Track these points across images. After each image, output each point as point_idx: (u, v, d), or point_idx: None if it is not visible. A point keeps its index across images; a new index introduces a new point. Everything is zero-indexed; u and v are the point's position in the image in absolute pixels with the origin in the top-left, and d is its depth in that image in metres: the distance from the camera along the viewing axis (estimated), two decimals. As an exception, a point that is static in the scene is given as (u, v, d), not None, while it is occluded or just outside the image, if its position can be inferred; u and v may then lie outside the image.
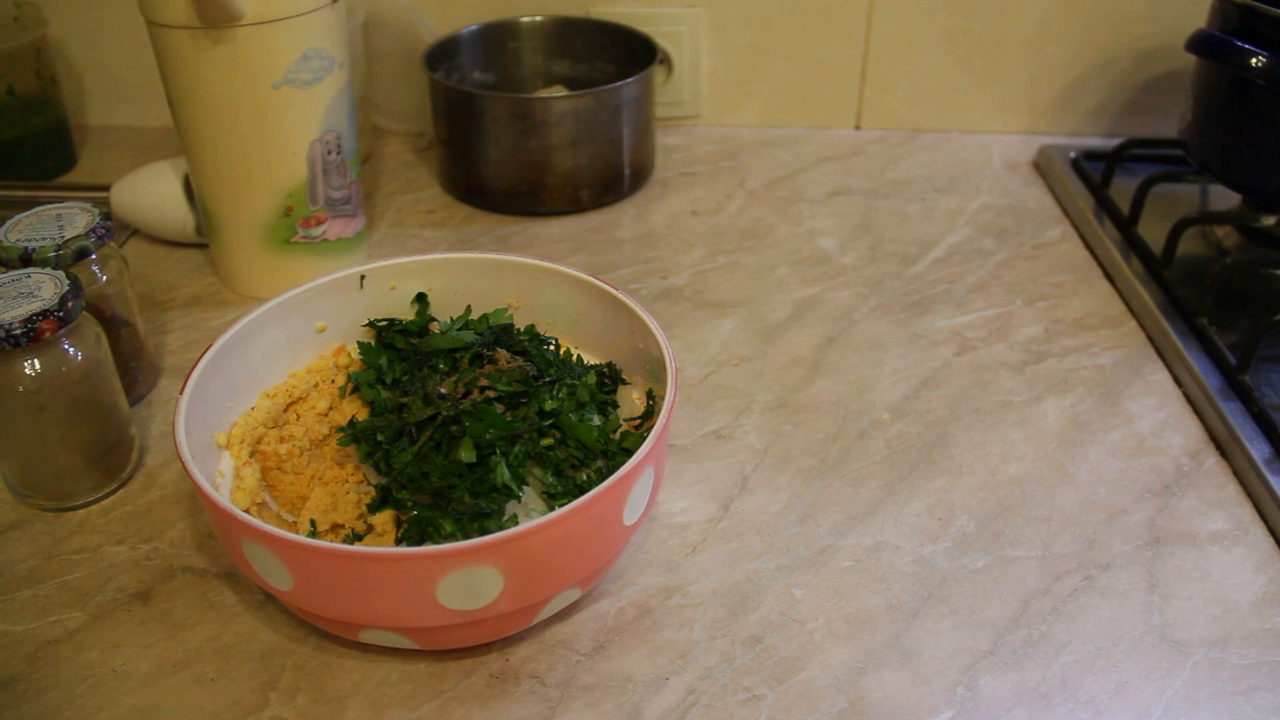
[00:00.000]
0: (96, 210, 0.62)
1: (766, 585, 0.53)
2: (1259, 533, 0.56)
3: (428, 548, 0.41)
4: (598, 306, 0.59)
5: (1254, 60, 0.71)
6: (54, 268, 0.57)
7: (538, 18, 0.93)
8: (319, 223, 0.73)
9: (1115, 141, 0.90)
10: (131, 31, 0.91)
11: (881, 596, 0.53)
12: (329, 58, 0.68)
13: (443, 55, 0.89)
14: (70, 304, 0.53)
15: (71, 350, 0.54)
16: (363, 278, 0.59)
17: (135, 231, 0.81)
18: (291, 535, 0.42)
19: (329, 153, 0.71)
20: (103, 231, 0.60)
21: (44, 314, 0.52)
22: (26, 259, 0.58)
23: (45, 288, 0.54)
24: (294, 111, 0.68)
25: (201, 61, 0.65)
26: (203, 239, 0.78)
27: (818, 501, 0.58)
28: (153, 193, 0.79)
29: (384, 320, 0.60)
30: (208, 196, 0.72)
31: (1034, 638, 0.50)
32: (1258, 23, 0.71)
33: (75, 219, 0.61)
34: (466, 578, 0.42)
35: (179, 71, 0.66)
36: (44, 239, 0.59)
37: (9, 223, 0.60)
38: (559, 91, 0.91)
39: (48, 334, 0.52)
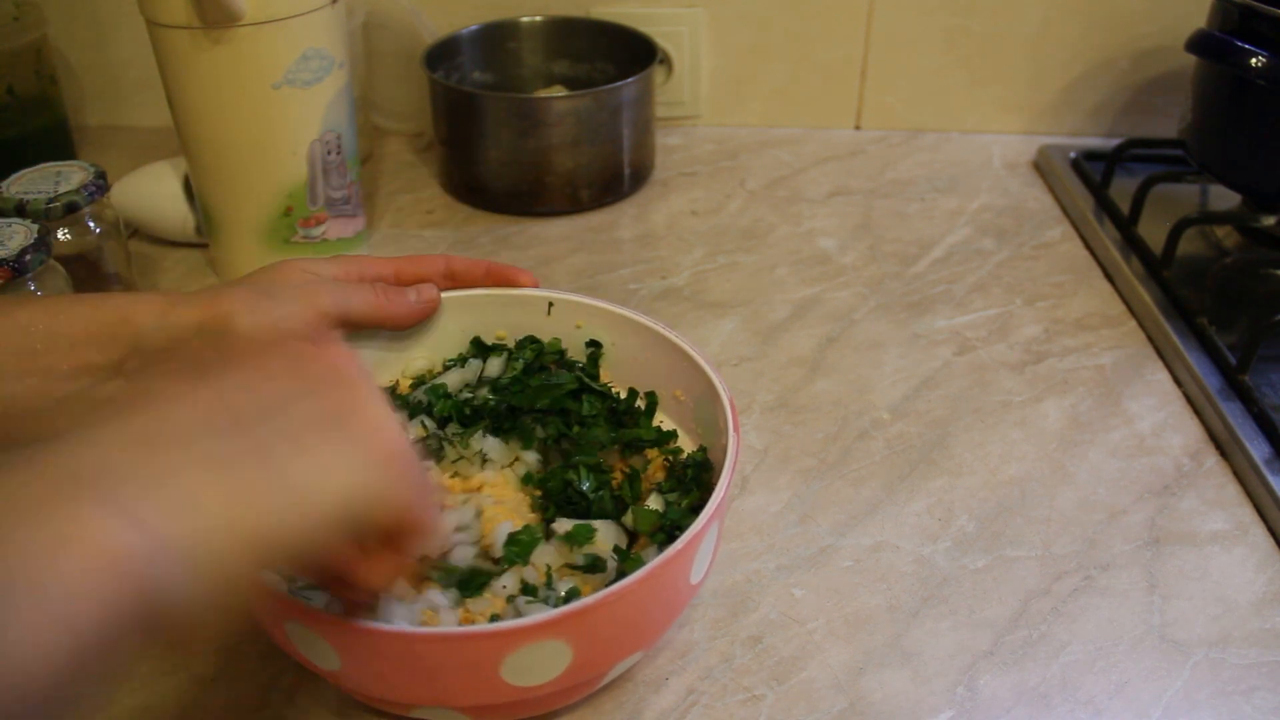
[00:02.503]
0: (92, 169, 0.67)
1: (766, 585, 0.53)
2: (1259, 533, 0.56)
3: (492, 625, 0.39)
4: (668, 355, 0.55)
5: (1254, 60, 0.71)
6: (45, 219, 0.62)
7: (538, 18, 0.93)
8: (319, 223, 0.73)
9: (1115, 141, 0.90)
10: (131, 31, 0.91)
11: (881, 596, 0.53)
12: (329, 58, 0.68)
13: (443, 55, 0.89)
14: (28, 256, 0.57)
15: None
16: (551, 305, 0.57)
17: (135, 231, 0.81)
18: (340, 617, 0.39)
19: (329, 153, 0.71)
20: (94, 188, 0.65)
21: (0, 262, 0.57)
22: (21, 210, 0.63)
23: (16, 239, 0.59)
24: (294, 111, 0.68)
25: (201, 61, 0.65)
26: (203, 239, 0.78)
27: (818, 501, 0.58)
28: (153, 193, 0.79)
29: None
30: (208, 196, 0.72)
31: (1034, 638, 0.50)
32: (1258, 23, 0.71)
33: (72, 176, 0.66)
34: (533, 653, 0.39)
35: (179, 71, 0.66)
36: (39, 192, 0.64)
37: (13, 176, 0.66)
38: (559, 91, 0.91)
39: (1, 282, 0.57)
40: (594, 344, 0.57)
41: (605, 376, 0.57)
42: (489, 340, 0.58)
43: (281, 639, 0.43)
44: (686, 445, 0.54)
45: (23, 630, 0.25)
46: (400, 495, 0.34)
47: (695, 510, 0.48)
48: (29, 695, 0.25)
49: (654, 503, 0.49)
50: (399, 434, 0.34)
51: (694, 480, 0.50)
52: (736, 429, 0.47)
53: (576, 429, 0.53)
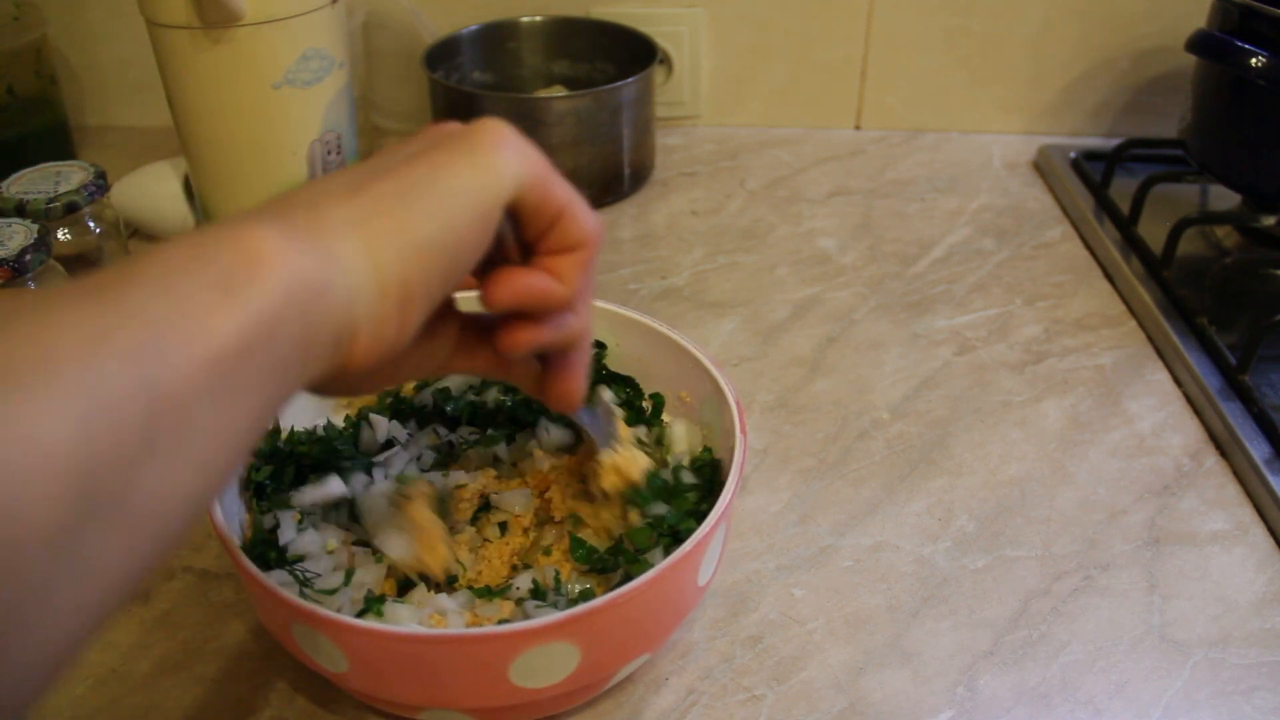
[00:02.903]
0: (92, 169, 0.67)
1: (766, 585, 0.53)
2: (1259, 533, 0.56)
3: (501, 627, 0.38)
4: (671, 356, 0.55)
5: (1254, 60, 0.71)
6: (45, 219, 0.63)
7: (538, 18, 0.93)
8: (319, 223, 0.73)
9: (1115, 141, 0.90)
10: (131, 31, 0.91)
11: (881, 596, 0.53)
12: (329, 58, 0.68)
13: (443, 55, 0.89)
14: (28, 256, 0.58)
15: None
16: None
17: (135, 231, 0.81)
18: (349, 620, 0.39)
19: (329, 153, 0.71)
20: (94, 188, 0.66)
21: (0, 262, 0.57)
22: (21, 210, 0.63)
23: (16, 239, 0.59)
24: (294, 111, 0.68)
25: (201, 61, 0.65)
26: (203, 239, 0.78)
27: (818, 501, 0.58)
28: (153, 193, 0.79)
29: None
30: (208, 196, 0.72)
31: (1034, 638, 0.50)
32: (1258, 23, 0.71)
33: (72, 176, 0.67)
34: (541, 655, 0.39)
35: (179, 71, 0.66)
36: (39, 192, 0.64)
37: (13, 176, 0.66)
38: (559, 91, 0.90)
39: (1, 281, 0.57)
40: (599, 344, 0.56)
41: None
42: None
43: (288, 642, 0.42)
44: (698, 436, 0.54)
45: (203, 310, 0.25)
46: (534, 172, 0.34)
47: (694, 514, 0.48)
48: (204, 371, 0.25)
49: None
50: (514, 131, 0.35)
51: (701, 481, 0.50)
52: (744, 431, 0.47)
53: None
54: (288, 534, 0.46)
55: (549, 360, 0.41)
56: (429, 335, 0.36)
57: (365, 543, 0.48)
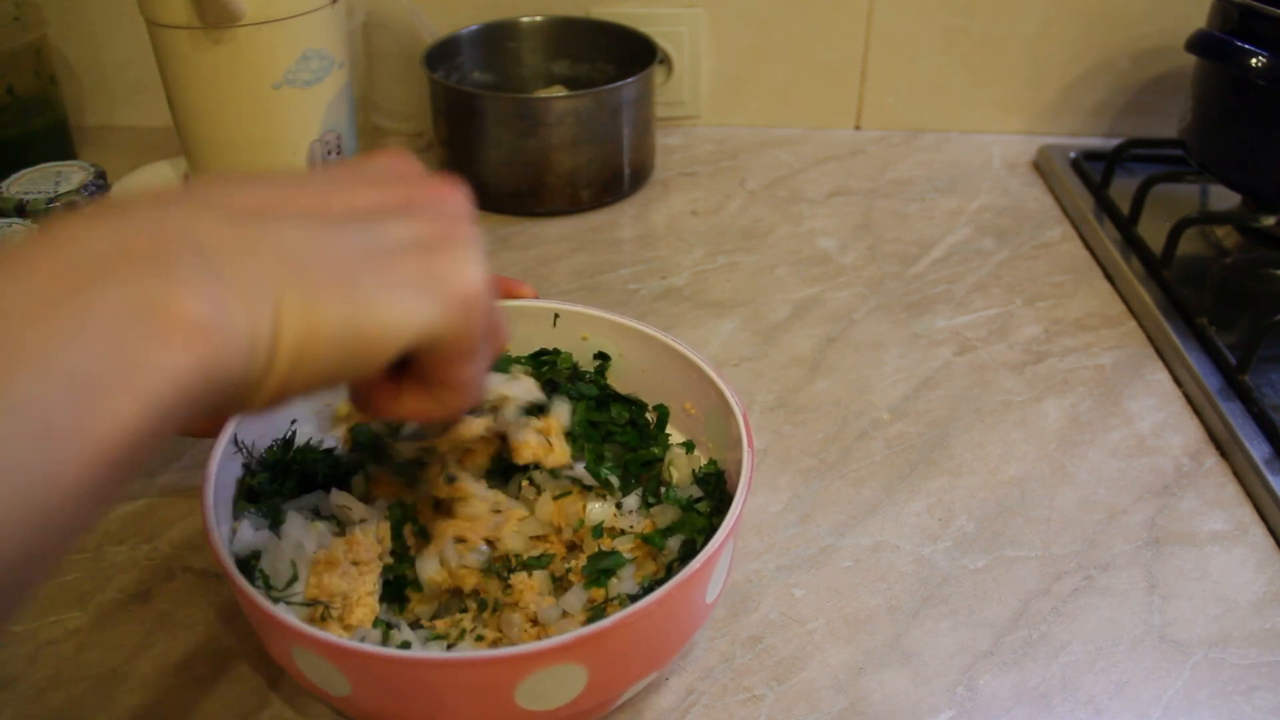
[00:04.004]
0: (92, 169, 0.68)
1: (766, 585, 0.53)
2: (1259, 533, 0.56)
3: (507, 650, 0.38)
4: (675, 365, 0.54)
5: (1254, 60, 0.71)
6: (45, 219, 0.63)
7: (538, 18, 0.93)
8: (319, 223, 0.73)
9: (1115, 141, 0.90)
10: (131, 31, 0.91)
11: (881, 596, 0.53)
12: (329, 58, 0.68)
13: (443, 55, 0.89)
14: None
15: None
16: (556, 316, 0.55)
17: (135, 231, 0.81)
18: (353, 644, 0.38)
19: (329, 153, 0.71)
20: (94, 188, 0.66)
21: None
22: (21, 210, 0.64)
23: (15, 240, 0.58)
24: (294, 111, 0.68)
25: (201, 61, 0.65)
26: (203, 239, 0.78)
27: (818, 501, 0.58)
28: (153, 193, 0.79)
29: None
30: (208, 196, 0.72)
31: (1034, 638, 0.50)
32: (1258, 23, 0.71)
33: (72, 176, 0.68)
34: (548, 678, 0.39)
35: (179, 71, 0.66)
36: (39, 192, 0.65)
37: (13, 176, 0.67)
38: (559, 91, 0.91)
39: None
40: (602, 356, 0.56)
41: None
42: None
43: (289, 665, 0.42)
44: (699, 458, 0.53)
45: (97, 410, 0.24)
46: (462, 352, 0.33)
47: (705, 530, 0.47)
48: (90, 475, 0.24)
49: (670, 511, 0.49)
50: (482, 277, 0.34)
51: (707, 495, 0.50)
52: (751, 444, 0.46)
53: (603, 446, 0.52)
54: (245, 534, 0.45)
55: None
56: None
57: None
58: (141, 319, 0.25)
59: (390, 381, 0.36)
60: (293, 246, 0.29)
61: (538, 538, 0.49)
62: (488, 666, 0.38)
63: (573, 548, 0.49)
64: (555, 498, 0.49)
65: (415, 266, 0.32)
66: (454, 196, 0.35)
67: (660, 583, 0.41)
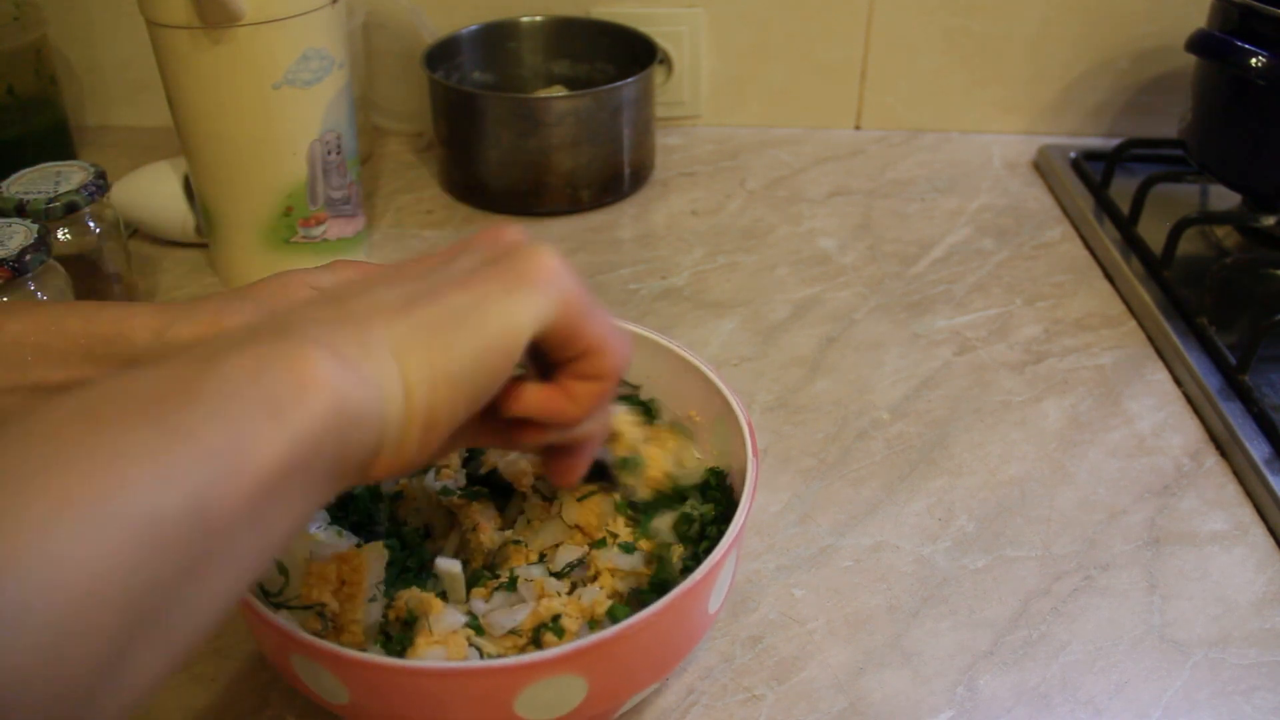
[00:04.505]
0: (92, 169, 0.67)
1: (766, 585, 0.53)
2: (1259, 533, 0.56)
3: (507, 660, 0.38)
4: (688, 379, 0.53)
5: (1254, 60, 0.71)
6: (45, 219, 0.63)
7: (538, 18, 0.93)
8: (319, 223, 0.73)
9: (1115, 141, 0.90)
10: (131, 31, 0.91)
11: (881, 596, 0.53)
12: (329, 58, 0.68)
13: (443, 55, 0.89)
14: (28, 256, 0.58)
15: (39, 296, 0.59)
16: None
17: (135, 231, 0.81)
18: (352, 653, 0.38)
19: (329, 153, 0.71)
20: (94, 188, 0.66)
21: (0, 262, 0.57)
22: (21, 210, 0.63)
23: (16, 239, 0.59)
24: (294, 111, 0.68)
25: (201, 61, 0.65)
26: (203, 239, 0.78)
27: (818, 501, 0.58)
28: (153, 193, 0.79)
29: None
30: (208, 196, 0.72)
31: (1034, 638, 0.50)
32: (1258, 23, 0.71)
33: (72, 176, 0.67)
34: (548, 688, 0.39)
35: (179, 71, 0.66)
36: (39, 192, 0.64)
37: (13, 176, 0.66)
38: (559, 91, 0.91)
39: (1, 281, 0.57)
40: None
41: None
42: None
43: (288, 673, 0.42)
44: (702, 465, 0.52)
45: (252, 437, 0.26)
46: (567, 311, 0.35)
47: (709, 537, 0.47)
48: (251, 499, 0.26)
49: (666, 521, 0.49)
50: (566, 266, 0.35)
51: (711, 501, 0.49)
52: (755, 453, 0.46)
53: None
54: None
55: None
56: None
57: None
58: (275, 369, 0.28)
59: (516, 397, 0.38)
60: (387, 301, 0.33)
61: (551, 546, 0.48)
62: (487, 676, 0.38)
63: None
64: (579, 499, 0.49)
65: (495, 275, 0.34)
66: (509, 233, 0.37)
67: (662, 592, 0.40)
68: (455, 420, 0.33)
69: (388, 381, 0.31)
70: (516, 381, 0.37)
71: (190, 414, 0.26)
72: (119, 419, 0.25)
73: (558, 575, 0.46)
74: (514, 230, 0.37)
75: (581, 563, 0.47)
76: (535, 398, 0.37)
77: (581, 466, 0.42)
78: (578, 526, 0.48)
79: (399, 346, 0.31)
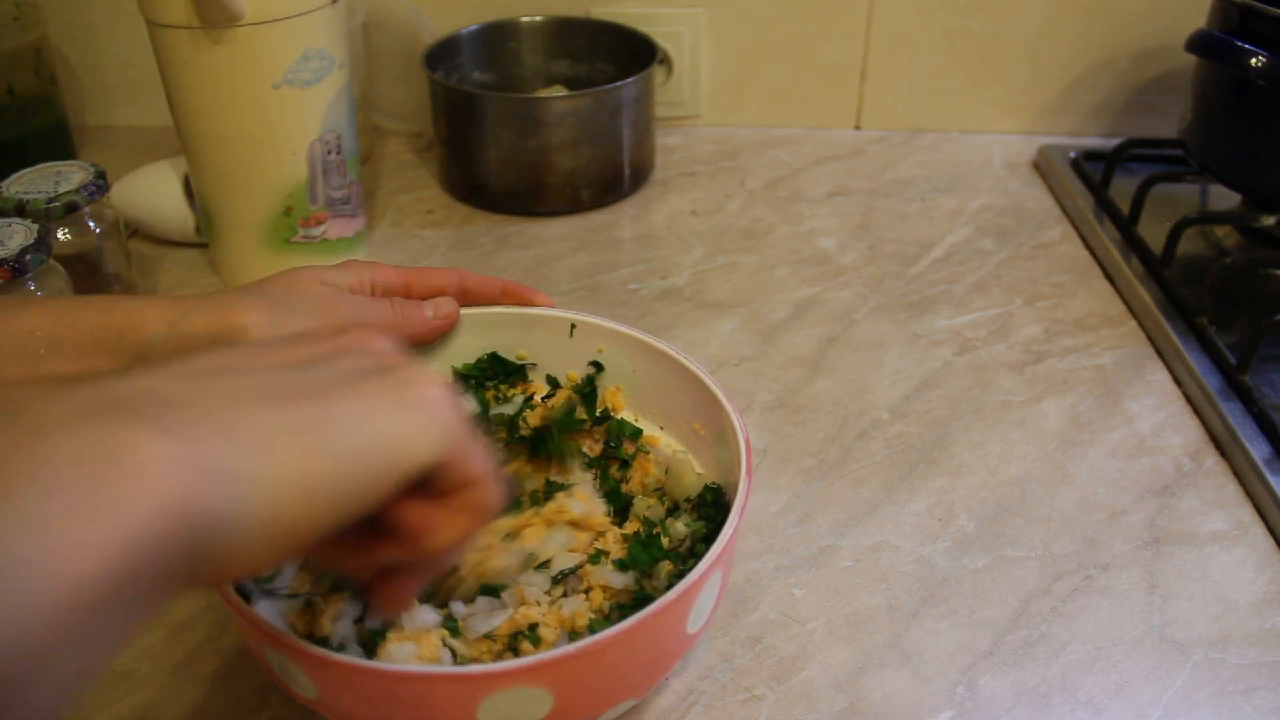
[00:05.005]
0: (92, 169, 0.67)
1: (766, 585, 0.53)
2: (1259, 533, 0.56)
3: (469, 668, 0.37)
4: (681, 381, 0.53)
5: (1254, 60, 0.71)
6: (45, 219, 0.63)
7: (538, 18, 0.93)
8: (319, 222, 0.73)
9: (1115, 141, 0.90)
10: (131, 31, 0.91)
11: (881, 596, 0.53)
12: (329, 58, 0.68)
13: (443, 55, 0.89)
14: (28, 256, 0.58)
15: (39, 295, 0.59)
16: (574, 327, 0.55)
17: (135, 231, 0.81)
18: (316, 649, 0.38)
19: (329, 153, 0.71)
20: (94, 188, 0.66)
21: (0, 262, 0.57)
22: (21, 210, 0.63)
23: (16, 239, 0.59)
24: (294, 111, 0.68)
25: (201, 61, 0.65)
26: (203, 239, 0.78)
27: (818, 501, 0.58)
28: (153, 193, 0.79)
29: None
30: (208, 196, 0.72)
31: (1034, 638, 0.50)
32: (1258, 23, 0.71)
33: (72, 176, 0.67)
34: (510, 699, 0.38)
35: (179, 71, 0.66)
36: (39, 192, 0.64)
37: (13, 176, 0.66)
38: (559, 91, 0.91)
39: (1, 281, 0.57)
40: (596, 365, 0.55)
41: (625, 404, 0.55)
42: (510, 359, 0.56)
43: (265, 665, 0.42)
44: (701, 480, 0.51)
45: (66, 542, 0.23)
46: (455, 444, 0.33)
47: (695, 554, 0.46)
48: (67, 615, 0.23)
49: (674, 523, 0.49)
50: (446, 389, 0.33)
51: (704, 517, 0.49)
52: (749, 472, 0.45)
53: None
54: None
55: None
56: None
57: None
58: (104, 457, 0.24)
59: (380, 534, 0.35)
60: (259, 388, 0.29)
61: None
62: (450, 683, 0.37)
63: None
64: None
65: (385, 390, 0.32)
66: (380, 342, 0.35)
67: (635, 610, 0.39)
68: (314, 532, 0.29)
69: (246, 477, 0.27)
70: (385, 581, 0.36)
71: None
72: None
73: (555, 579, 0.46)
74: (385, 340, 0.35)
75: (575, 572, 0.47)
76: (417, 513, 0.35)
77: (414, 592, 0.39)
78: (575, 523, 0.49)
79: (268, 443, 0.28)
